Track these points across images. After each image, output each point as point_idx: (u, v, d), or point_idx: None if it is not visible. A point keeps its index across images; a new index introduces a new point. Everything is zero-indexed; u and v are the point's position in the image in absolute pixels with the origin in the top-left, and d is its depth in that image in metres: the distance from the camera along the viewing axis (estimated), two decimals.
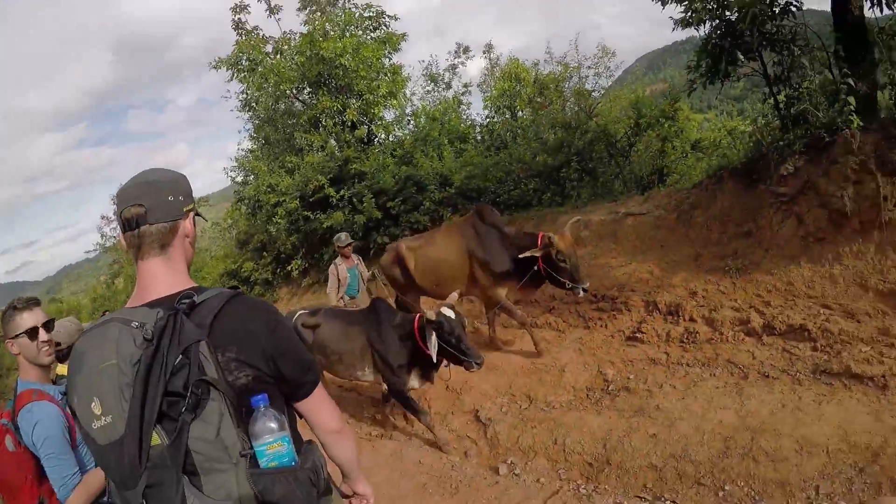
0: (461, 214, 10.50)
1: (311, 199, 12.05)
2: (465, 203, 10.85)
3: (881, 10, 6.60)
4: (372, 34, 14.09)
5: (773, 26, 7.14)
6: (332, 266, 7.21)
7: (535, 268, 5.84)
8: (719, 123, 11.48)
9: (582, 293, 5.88)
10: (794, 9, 7.13)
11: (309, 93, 14.00)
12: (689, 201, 8.25)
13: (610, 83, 13.62)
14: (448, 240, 6.68)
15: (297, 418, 1.69)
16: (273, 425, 1.41)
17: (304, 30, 13.82)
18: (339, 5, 14.61)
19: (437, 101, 15.07)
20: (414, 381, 5.39)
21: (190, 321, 1.38)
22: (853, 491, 3.77)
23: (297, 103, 14.44)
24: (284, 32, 14.46)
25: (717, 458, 4.18)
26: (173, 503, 1.31)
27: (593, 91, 12.89)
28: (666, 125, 10.79)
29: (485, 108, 14.44)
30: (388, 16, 14.23)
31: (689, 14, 7.43)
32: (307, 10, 14.72)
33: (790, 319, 5.56)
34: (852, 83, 6.33)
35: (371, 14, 14.02)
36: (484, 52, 15.49)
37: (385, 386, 5.60)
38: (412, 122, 14.47)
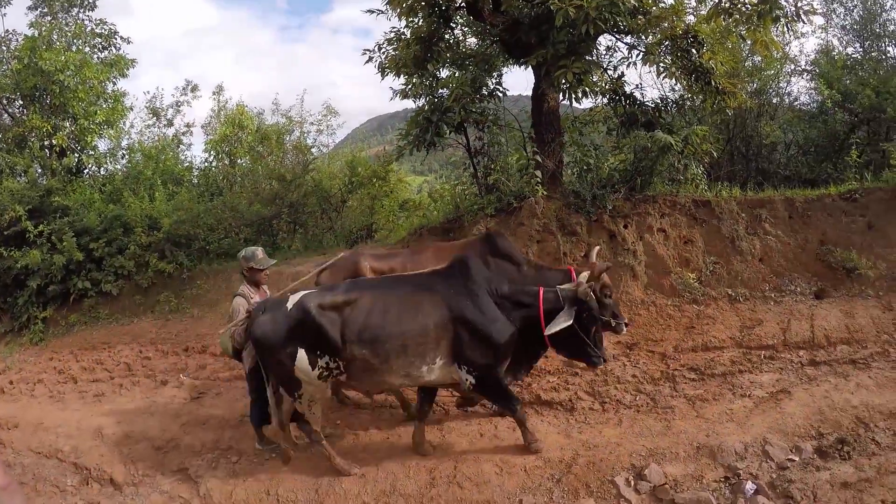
0: (169, 261, 11.91)
1: (5, 232, 12.01)
2: (174, 249, 12.07)
3: (571, 103, 9.49)
4: (100, 54, 14.89)
5: (478, 107, 9.71)
6: (238, 298, 6.26)
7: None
8: (437, 185, 14.45)
9: (625, 328, 6.14)
10: (499, 94, 10.05)
11: (20, 106, 14.18)
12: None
13: (332, 141, 15.66)
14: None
15: None
16: None
17: (29, 33, 13.92)
18: (73, 14, 14.98)
19: (157, 138, 15.98)
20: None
21: None
22: (554, 499, 5.10)
23: (5, 115, 14.47)
24: (7, 31, 14.65)
25: (424, 489, 5.27)
26: None
27: (313, 147, 14.91)
28: (377, 185, 13.51)
29: (205, 150, 15.46)
30: (121, 37, 15.16)
31: (409, 87, 10.14)
32: (38, 11, 14.77)
33: None
34: (540, 159, 8.97)
35: (103, 32, 14.89)
36: (214, 94, 16.38)
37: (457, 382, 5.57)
38: (126, 156, 15.25)
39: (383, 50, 10.24)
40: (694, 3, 9.22)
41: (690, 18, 9.20)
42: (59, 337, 11.45)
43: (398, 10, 9.58)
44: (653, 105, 10.01)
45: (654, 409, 6.48)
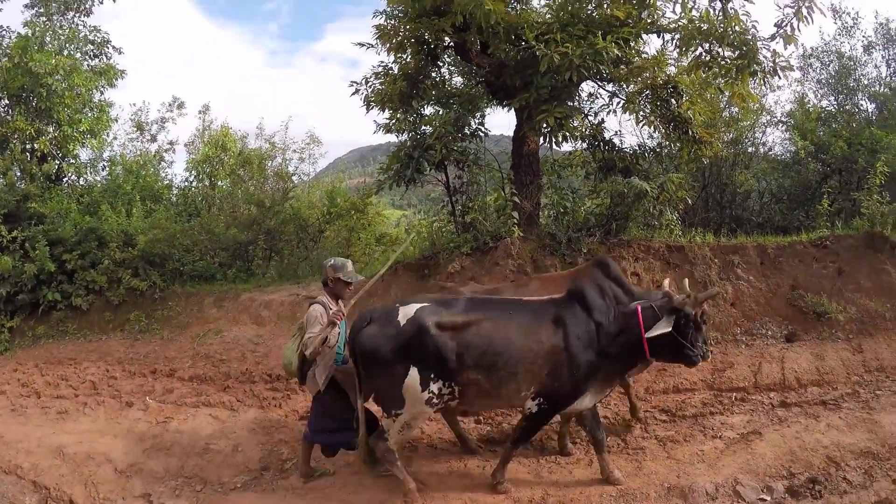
0: (142, 279, 11.86)
1: None
2: (148, 267, 12.02)
3: (551, 147, 9.79)
4: (90, 61, 14.88)
5: (459, 146, 9.87)
6: (317, 306, 5.79)
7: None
8: (415, 221, 14.59)
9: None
10: (481, 133, 10.26)
11: (5, 106, 14.03)
12: (367, 289, 10.78)
13: (314, 169, 15.83)
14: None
15: None
16: None
17: (25, 31, 13.90)
18: (69, 18, 15.01)
19: (139, 152, 15.99)
20: (591, 397, 5.57)
21: None
22: None
23: None
24: (0, 27, 14.51)
25: None
26: None
27: (294, 174, 15.06)
28: (355, 217, 13.61)
29: (186, 169, 15.48)
30: (113, 47, 15.17)
31: (393, 122, 10.34)
32: (34, 11, 14.78)
33: None
34: (518, 201, 9.19)
35: (96, 39, 14.92)
36: (199, 113, 16.39)
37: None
38: (107, 168, 15.26)
39: (370, 83, 10.37)
40: (676, 55, 9.52)
41: (672, 69, 9.63)
42: (25, 348, 11.34)
43: (388, 46, 9.78)
44: (631, 151, 10.30)
45: (626, 450, 6.51)
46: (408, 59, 10.03)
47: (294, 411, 7.80)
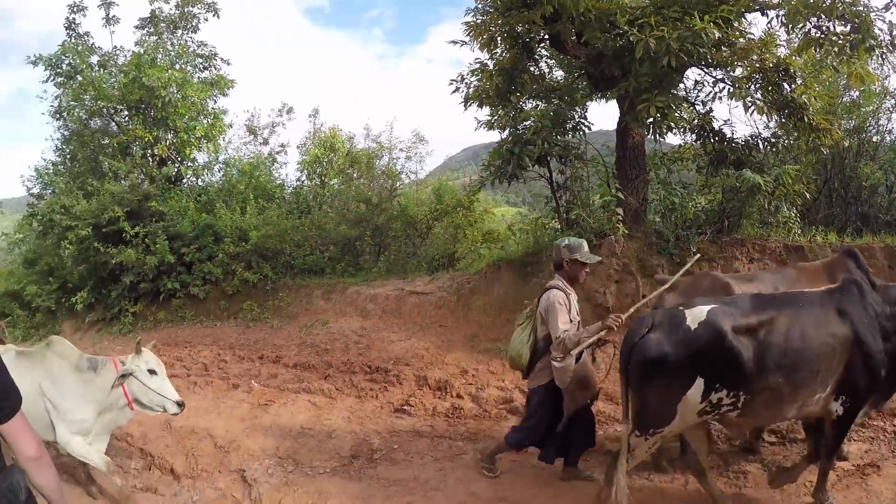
0: (254, 272, 12.70)
1: (104, 230, 13.15)
2: (260, 260, 12.91)
3: (656, 139, 9.32)
4: (200, 73, 16.27)
5: (561, 141, 9.65)
6: (556, 292, 5.12)
7: None
8: (517, 218, 14.51)
9: None
10: (583, 127, 10.00)
11: (126, 116, 15.45)
12: (471, 286, 10.55)
13: (421, 167, 16.19)
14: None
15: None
16: None
17: (137, 50, 15.48)
18: (177, 35, 16.38)
19: (252, 155, 17.09)
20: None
21: None
22: None
23: (112, 124, 15.82)
24: (115, 47, 16.05)
25: None
26: None
27: (402, 173, 15.56)
28: (461, 214, 13.77)
29: (297, 170, 16.56)
30: (221, 59, 16.58)
31: (494, 118, 10.27)
32: (145, 31, 16.22)
33: None
34: (622, 196, 8.81)
35: (204, 53, 16.31)
36: (310, 116, 17.45)
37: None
38: (223, 170, 16.49)
39: (466, 81, 10.26)
40: (784, 34, 8.86)
41: (782, 50, 8.94)
42: (147, 331, 12.27)
43: (479, 42, 9.58)
44: (742, 142, 9.67)
45: (726, 472, 5.72)
46: (502, 55, 9.86)
47: (389, 403, 7.75)
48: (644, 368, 4.59)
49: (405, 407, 7.46)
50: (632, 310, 5.15)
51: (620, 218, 8.76)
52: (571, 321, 5.08)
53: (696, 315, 4.51)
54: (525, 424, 5.60)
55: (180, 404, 5.24)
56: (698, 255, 6.74)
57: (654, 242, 8.80)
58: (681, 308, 4.72)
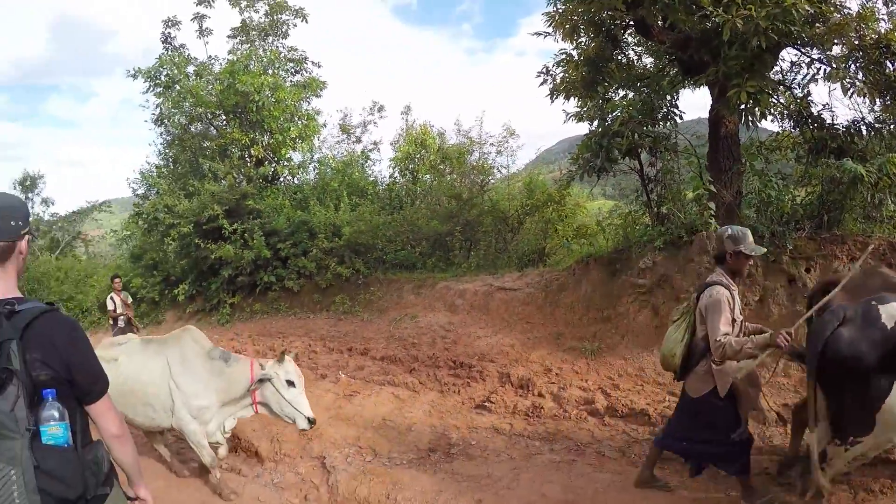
0: (347, 266, 13.16)
1: (204, 227, 14.14)
2: (353, 256, 13.35)
3: (748, 127, 8.48)
4: (292, 77, 17.01)
5: (650, 131, 9.22)
6: (719, 289, 4.55)
7: None
8: (605, 213, 14.03)
9: None
10: (674, 117, 9.49)
11: (223, 121, 16.42)
12: (558, 283, 10.44)
13: (512, 162, 16.17)
14: None
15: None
16: (55, 413, 2.10)
17: (230, 58, 16.44)
18: (269, 41, 17.30)
19: (345, 153, 17.74)
20: None
21: (8, 323, 2.08)
22: None
23: (211, 128, 16.86)
24: (210, 56, 17.20)
25: None
26: None
27: (493, 168, 15.69)
28: (551, 209, 13.60)
29: (390, 167, 16.97)
30: (312, 62, 17.36)
31: (584, 109, 9.91)
32: (237, 39, 17.25)
33: (633, 403, 6.64)
34: (714, 190, 8.28)
35: (295, 57, 17.09)
36: (402, 113, 17.84)
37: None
38: (317, 168, 17.23)
39: (552, 73, 9.94)
40: (884, 10, 8.19)
41: (883, 25, 8.13)
42: (243, 321, 12.90)
43: (561, 32, 9.33)
44: (843, 128, 8.79)
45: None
46: (587, 44, 9.56)
47: (470, 399, 7.68)
48: (837, 368, 4.17)
49: (486, 403, 7.38)
50: (799, 321, 4.54)
51: (713, 213, 8.18)
52: (735, 321, 4.53)
53: (891, 312, 4.03)
54: (719, 440, 4.76)
55: (311, 421, 5.16)
56: (872, 246, 5.84)
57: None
58: (872, 302, 4.21)
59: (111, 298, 11.02)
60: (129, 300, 11.54)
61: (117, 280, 11.34)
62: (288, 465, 6.10)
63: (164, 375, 5.24)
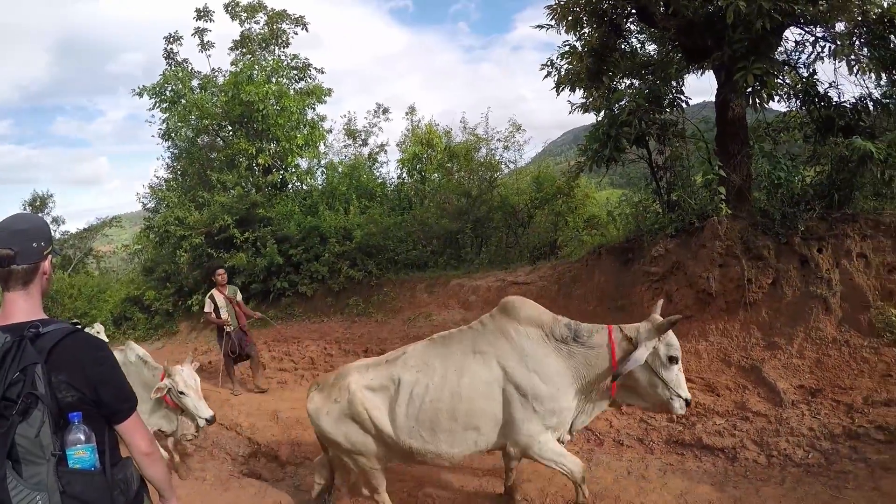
0: (359, 269, 13.27)
1: (216, 238, 14.35)
2: (364, 258, 13.45)
3: (756, 109, 8.57)
4: (296, 85, 17.12)
5: (658, 119, 9.20)
6: None
7: None
8: (615, 202, 14.02)
9: None
10: (680, 103, 9.46)
11: (229, 132, 16.64)
12: (571, 275, 10.46)
13: (519, 156, 16.29)
14: None
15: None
16: (81, 437, 2.11)
17: (233, 69, 16.59)
18: (270, 51, 17.50)
19: (352, 157, 17.90)
20: None
21: (32, 347, 2.09)
22: None
23: (218, 139, 17.04)
24: (213, 69, 17.41)
25: None
26: None
27: (500, 163, 15.73)
28: (561, 201, 13.71)
29: (397, 168, 17.17)
30: (315, 69, 17.46)
31: (589, 100, 9.91)
32: (239, 51, 17.42)
33: None
34: (724, 174, 8.20)
35: (298, 65, 17.22)
36: (406, 114, 17.98)
37: None
38: (325, 173, 17.31)
39: (557, 65, 9.86)
40: None
41: (886, 1, 7.93)
42: (258, 329, 12.72)
43: (564, 24, 9.28)
44: (850, 106, 8.67)
45: (826, 471, 5.16)
46: (590, 35, 9.51)
47: None
48: None
49: None
50: None
51: (723, 197, 8.12)
52: None
53: None
54: None
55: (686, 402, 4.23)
56: None
57: (759, 222, 8.02)
58: None
59: (210, 297, 9.24)
60: (239, 296, 9.67)
61: (221, 272, 9.52)
62: (308, 468, 6.11)
63: (495, 382, 4.26)
